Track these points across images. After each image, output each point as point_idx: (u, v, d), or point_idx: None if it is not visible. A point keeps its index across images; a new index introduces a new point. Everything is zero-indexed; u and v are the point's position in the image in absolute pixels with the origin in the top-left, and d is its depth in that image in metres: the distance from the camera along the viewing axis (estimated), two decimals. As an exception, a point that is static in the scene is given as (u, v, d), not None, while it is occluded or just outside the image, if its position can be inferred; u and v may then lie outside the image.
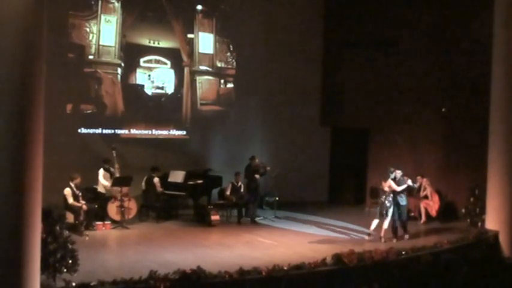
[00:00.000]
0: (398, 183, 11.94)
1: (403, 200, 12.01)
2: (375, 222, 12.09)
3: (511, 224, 12.09)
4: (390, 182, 11.93)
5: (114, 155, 13.00)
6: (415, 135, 15.39)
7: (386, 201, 11.91)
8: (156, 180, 13.48)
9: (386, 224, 11.92)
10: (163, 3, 15.23)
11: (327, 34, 17.11)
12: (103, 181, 12.81)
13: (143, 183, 13.70)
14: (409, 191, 14.37)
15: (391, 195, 11.91)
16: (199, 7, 16.00)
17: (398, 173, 12.01)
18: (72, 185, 11.92)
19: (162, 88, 15.48)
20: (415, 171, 14.75)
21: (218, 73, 16.49)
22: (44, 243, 7.85)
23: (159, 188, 13.46)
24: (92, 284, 7.77)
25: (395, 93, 15.69)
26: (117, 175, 12.88)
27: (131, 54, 14.90)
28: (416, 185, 12.41)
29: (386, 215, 11.89)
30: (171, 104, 15.62)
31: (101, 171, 12.85)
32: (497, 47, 12.34)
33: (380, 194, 12.24)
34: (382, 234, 11.88)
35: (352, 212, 15.51)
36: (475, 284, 10.62)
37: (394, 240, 11.76)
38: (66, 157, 13.25)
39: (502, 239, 12.00)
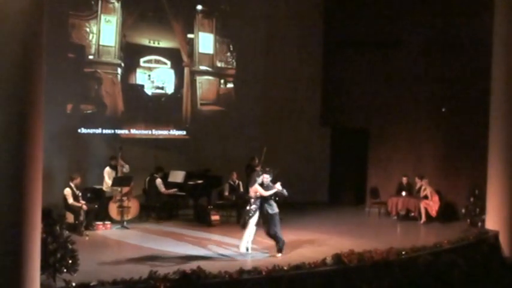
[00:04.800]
0: (266, 189, 10.61)
1: (272, 208, 10.59)
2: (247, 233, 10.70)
3: (511, 224, 12.09)
4: (256, 187, 10.59)
5: (120, 154, 13.00)
6: (415, 135, 15.39)
7: (252, 208, 10.60)
8: (158, 181, 13.50)
9: (247, 234, 10.60)
10: (163, 3, 15.23)
11: (327, 34, 17.11)
12: (107, 179, 12.86)
13: (145, 183, 13.73)
14: (411, 192, 14.51)
15: (258, 202, 10.58)
16: (199, 7, 16.00)
17: (267, 178, 10.68)
18: (72, 185, 11.92)
19: (162, 88, 15.48)
20: (415, 171, 14.80)
21: (218, 73, 16.50)
22: (44, 243, 7.86)
23: (162, 189, 13.47)
24: (92, 284, 7.76)
25: (395, 93, 15.69)
26: (124, 173, 12.93)
27: (131, 54, 14.90)
28: (286, 193, 10.85)
29: (248, 224, 10.59)
30: (171, 104, 15.62)
31: (107, 169, 12.90)
32: (498, 46, 12.34)
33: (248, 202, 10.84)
34: (240, 246, 10.61)
35: (352, 212, 15.53)
36: (475, 284, 10.63)
37: (279, 255, 10.46)
38: (66, 157, 13.30)
39: (502, 239, 11.99)
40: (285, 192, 10.80)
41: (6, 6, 6.83)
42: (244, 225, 10.78)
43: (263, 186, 10.67)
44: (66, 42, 13.94)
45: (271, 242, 10.79)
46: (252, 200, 10.66)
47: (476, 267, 10.91)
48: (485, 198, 12.55)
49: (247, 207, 10.71)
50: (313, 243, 11.60)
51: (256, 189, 10.62)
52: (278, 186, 10.72)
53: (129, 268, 9.23)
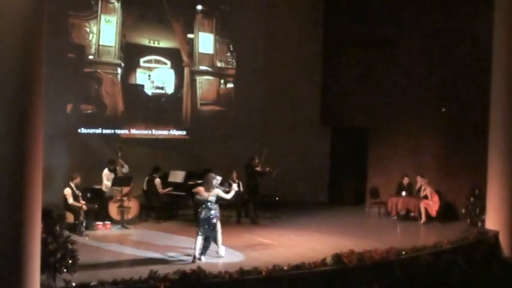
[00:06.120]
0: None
1: (217, 212, 10.22)
2: (200, 241, 10.13)
3: (511, 224, 12.09)
4: (218, 191, 10.18)
5: (119, 155, 13.00)
6: (415, 135, 15.39)
7: (214, 213, 10.06)
8: (157, 181, 13.51)
9: (220, 238, 10.29)
10: (163, 3, 15.24)
11: (327, 34, 17.12)
12: (105, 181, 12.91)
13: (144, 184, 13.73)
14: (411, 192, 14.52)
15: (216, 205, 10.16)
16: (199, 7, 16.01)
17: (219, 180, 10.35)
18: (72, 185, 11.92)
19: (162, 88, 15.49)
20: (415, 171, 14.79)
21: (218, 73, 16.51)
22: (44, 243, 7.85)
23: (160, 190, 13.49)
24: (92, 284, 7.76)
25: (395, 93, 15.70)
26: (123, 173, 12.94)
27: (131, 54, 14.91)
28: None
29: (215, 229, 10.17)
30: (171, 104, 15.63)
31: (105, 171, 12.91)
32: (498, 46, 12.33)
33: (202, 205, 10.16)
34: (220, 251, 10.33)
35: (352, 212, 15.53)
36: (475, 284, 10.62)
37: (203, 259, 10.05)
38: (66, 157, 13.30)
39: (502, 239, 11.99)
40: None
41: (6, 6, 6.83)
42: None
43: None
44: (66, 42, 13.95)
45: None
46: (214, 205, 10.11)
47: (476, 267, 10.90)
48: (485, 198, 12.54)
49: (210, 212, 10.02)
50: (313, 243, 11.59)
51: (218, 193, 10.20)
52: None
53: (129, 268, 9.23)
